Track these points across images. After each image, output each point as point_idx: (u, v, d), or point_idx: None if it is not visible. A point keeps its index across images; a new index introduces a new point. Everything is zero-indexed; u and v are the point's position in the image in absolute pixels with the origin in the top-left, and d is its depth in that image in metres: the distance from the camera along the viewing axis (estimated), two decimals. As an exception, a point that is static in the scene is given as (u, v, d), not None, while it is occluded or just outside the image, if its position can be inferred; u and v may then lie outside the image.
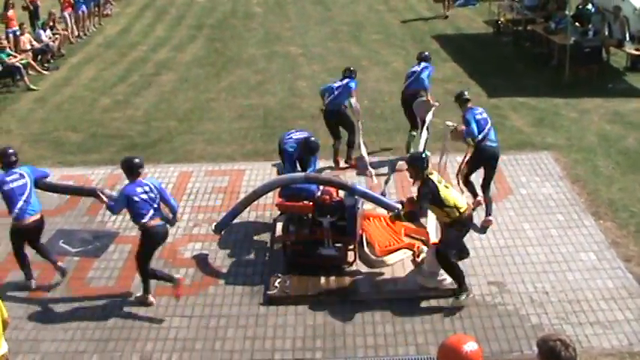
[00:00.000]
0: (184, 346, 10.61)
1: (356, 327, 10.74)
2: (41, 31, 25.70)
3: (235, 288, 11.79)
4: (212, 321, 11.09)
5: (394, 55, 23.80)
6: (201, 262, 12.65)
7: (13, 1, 26.39)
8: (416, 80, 16.24)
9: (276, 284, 11.55)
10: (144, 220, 11.04)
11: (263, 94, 20.85)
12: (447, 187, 10.76)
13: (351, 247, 11.85)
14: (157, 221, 11.19)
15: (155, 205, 11.12)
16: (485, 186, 13.52)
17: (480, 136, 13.04)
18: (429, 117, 15.71)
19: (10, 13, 25.78)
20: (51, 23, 26.62)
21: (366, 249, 11.93)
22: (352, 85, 15.78)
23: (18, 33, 24.84)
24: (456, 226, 10.83)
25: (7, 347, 8.64)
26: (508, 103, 18.71)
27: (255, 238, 13.25)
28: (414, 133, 16.22)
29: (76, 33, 28.80)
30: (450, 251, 10.94)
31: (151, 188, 11.14)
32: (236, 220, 13.31)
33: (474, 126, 13.04)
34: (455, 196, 10.81)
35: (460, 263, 11.68)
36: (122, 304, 11.59)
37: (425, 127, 15.52)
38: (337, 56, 24.07)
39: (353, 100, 15.85)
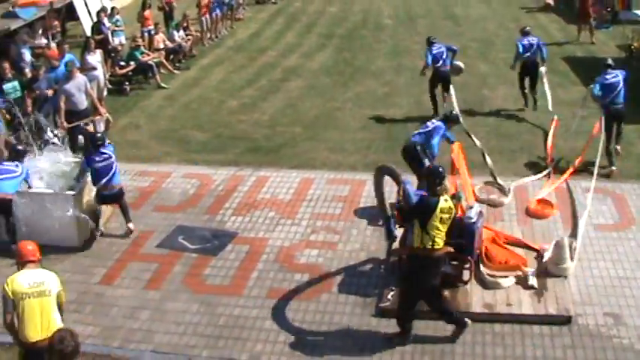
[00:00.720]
0: (293, 350, 10.66)
1: (465, 347, 10.60)
2: (174, 32, 26.27)
3: (348, 297, 11.78)
4: (323, 328, 11.10)
5: (522, 75, 23.43)
6: (317, 268, 12.67)
7: (150, 2, 27.07)
8: (535, 51, 19.89)
9: (389, 297, 11.49)
10: (97, 186, 13.49)
11: (389, 107, 20.80)
12: (442, 218, 10.11)
13: (467, 265, 11.71)
14: (107, 189, 13.52)
15: (110, 175, 13.42)
16: (617, 138, 16.38)
17: (607, 100, 16.11)
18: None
19: (147, 12, 26.44)
20: (185, 24, 27.15)
21: (482, 269, 11.82)
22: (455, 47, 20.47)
23: (152, 32, 25.48)
24: (418, 259, 10.33)
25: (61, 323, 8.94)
26: (635, 129, 18.20)
27: (372, 249, 13.19)
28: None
29: (209, 35, 29.35)
30: (406, 287, 10.69)
31: (109, 155, 13.45)
32: (354, 231, 13.40)
33: (597, 88, 16.26)
34: (440, 232, 10.17)
35: (576, 291, 11.51)
36: (235, 303, 11.73)
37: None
38: (465, 72, 23.80)
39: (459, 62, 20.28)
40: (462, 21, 32.34)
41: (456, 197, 11.98)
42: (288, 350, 10.64)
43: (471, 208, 11.64)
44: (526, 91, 20.13)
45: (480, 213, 11.73)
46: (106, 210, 14.35)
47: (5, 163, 13.78)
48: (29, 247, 9.20)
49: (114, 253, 13.39)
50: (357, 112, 20.53)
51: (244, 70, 25.39)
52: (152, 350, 10.75)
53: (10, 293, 8.74)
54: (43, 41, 24.42)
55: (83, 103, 17.05)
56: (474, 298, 11.43)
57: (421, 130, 14.51)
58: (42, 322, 8.71)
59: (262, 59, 26.80)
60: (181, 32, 26.53)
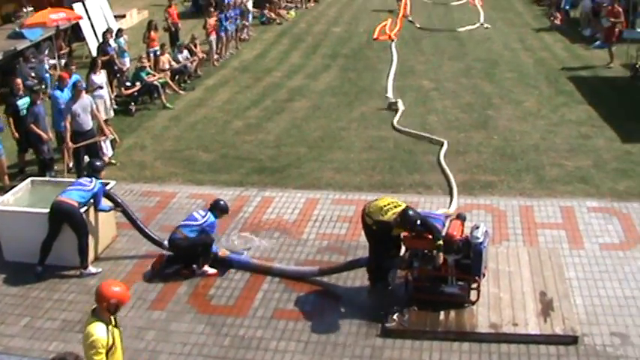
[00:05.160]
0: (298, 371, 10.65)
1: (472, 367, 10.59)
2: (179, 53, 26.32)
3: (354, 317, 11.73)
4: (328, 348, 11.07)
5: (527, 95, 23.46)
6: (322, 288, 12.66)
7: (155, 23, 27.18)
8: None
9: (395, 317, 11.47)
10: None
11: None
12: None
13: (474, 285, 11.69)
14: None
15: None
16: None
17: None
18: None
19: (153, 33, 26.53)
20: (192, 46, 27.21)
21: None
22: None
23: (158, 53, 25.54)
24: None
25: None
26: (640, 149, 18.31)
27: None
28: None
29: (216, 56, 29.45)
30: None
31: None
32: (359, 251, 13.40)
33: None
34: None
35: (583, 310, 11.50)
36: (241, 324, 11.70)
37: None
38: (469, 93, 23.90)
39: None
40: (466, 41, 32.40)
41: (460, 217, 12.02)
42: (294, 371, 10.63)
43: (477, 228, 11.61)
44: None
45: (486, 233, 11.71)
46: (111, 232, 14.47)
47: (83, 178, 13.99)
48: (112, 288, 8.42)
49: (119, 273, 13.39)
50: (362, 132, 20.54)
51: (249, 90, 25.46)
52: (158, 371, 10.75)
53: None
54: (51, 62, 24.54)
55: (89, 123, 17.14)
56: (480, 318, 11.40)
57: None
58: None
59: (267, 80, 26.88)
60: (186, 53, 26.59)
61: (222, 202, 13.72)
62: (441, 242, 11.37)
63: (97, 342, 7.98)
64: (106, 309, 8.16)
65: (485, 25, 36.05)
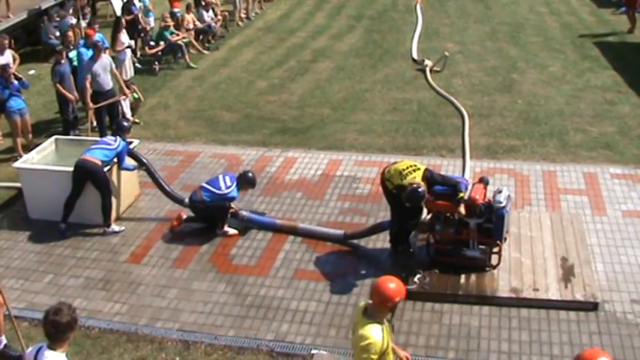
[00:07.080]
0: (318, 331, 10.69)
1: (491, 331, 10.58)
2: (204, 12, 26.26)
3: (374, 279, 11.72)
4: (348, 309, 11.11)
5: (552, 59, 23.26)
6: (343, 250, 12.71)
7: (180, -18, 27.15)
8: None
9: (416, 280, 11.49)
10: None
11: (417, 89, 20.73)
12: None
13: (496, 250, 11.68)
14: None
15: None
16: None
17: None
18: None
19: (178, -6, 26.50)
20: (214, 3, 27.15)
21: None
22: None
23: (182, 13, 25.46)
24: None
25: None
26: (666, 114, 18.17)
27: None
28: None
29: (237, 16, 29.35)
30: None
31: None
32: (381, 212, 13.40)
33: None
34: None
35: (604, 277, 11.47)
36: (262, 283, 11.78)
37: None
38: (494, 56, 23.72)
39: None
40: (491, 4, 32.09)
41: (483, 181, 11.98)
42: (314, 331, 10.68)
43: (500, 192, 11.57)
44: None
45: (509, 197, 11.67)
46: (134, 191, 14.54)
47: (107, 137, 14.19)
48: (391, 285, 7.65)
49: (141, 232, 13.49)
50: (385, 94, 20.48)
51: (273, 51, 25.41)
52: (179, 329, 10.82)
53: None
54: (73, 20, 24.53)
55: (109, 83, 17.19)
56: (501, 282, 11.40)
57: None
58: None
59: (291, 40, 26.82)
60: (211, 12, 26.55)
61: (250, 175, 13.44)
62: (463, 195, 11.35)
63: (373, 346, 7.40)
64: (390, 309, 7.59)
65: None
